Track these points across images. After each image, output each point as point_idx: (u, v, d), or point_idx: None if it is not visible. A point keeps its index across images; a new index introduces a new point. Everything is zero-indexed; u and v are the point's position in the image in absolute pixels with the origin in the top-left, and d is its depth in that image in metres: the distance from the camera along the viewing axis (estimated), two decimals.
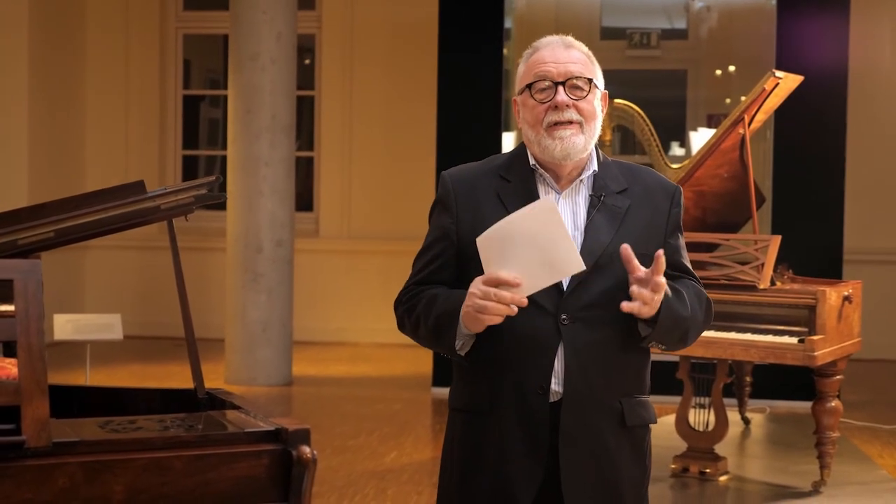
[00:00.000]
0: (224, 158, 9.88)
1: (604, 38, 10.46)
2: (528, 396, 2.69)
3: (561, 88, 2.71)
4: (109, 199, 3.25)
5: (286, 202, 9.09)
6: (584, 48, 2.80)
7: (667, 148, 9.79)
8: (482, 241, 2.60)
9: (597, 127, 2.76)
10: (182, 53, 11.78)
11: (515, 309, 2.57)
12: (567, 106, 2.70)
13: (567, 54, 2.74)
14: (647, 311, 2.61)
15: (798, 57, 8.12)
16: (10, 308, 3.36)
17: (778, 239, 5.75)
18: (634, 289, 2.59)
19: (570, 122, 2.70)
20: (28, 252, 3.19)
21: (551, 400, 2.69)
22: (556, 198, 2.75)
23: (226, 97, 9.63)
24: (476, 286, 2.59)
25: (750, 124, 6.00)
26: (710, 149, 6.02)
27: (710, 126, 10.09)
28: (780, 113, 7.30)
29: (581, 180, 2.77)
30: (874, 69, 10.68)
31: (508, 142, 9.01)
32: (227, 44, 9.38)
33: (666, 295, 2.65)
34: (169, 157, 11.75)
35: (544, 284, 2.59)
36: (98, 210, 3.23)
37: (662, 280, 2.60)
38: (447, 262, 2.80)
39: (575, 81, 2.72)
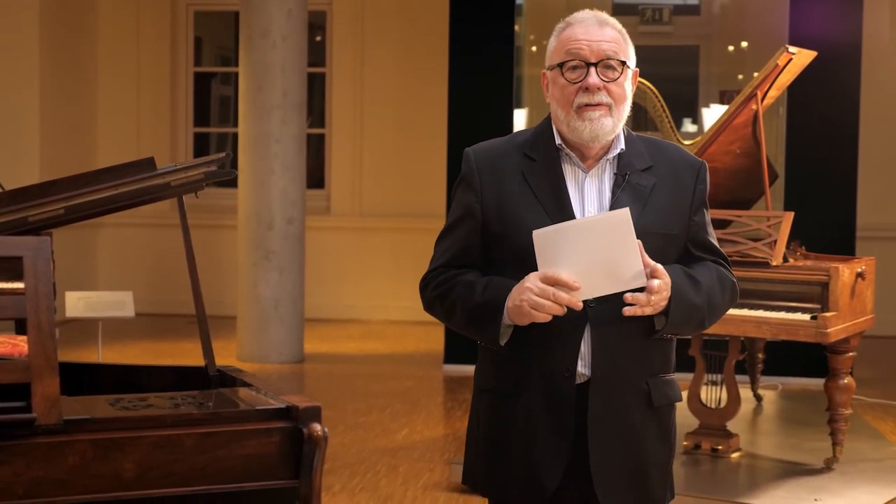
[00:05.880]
0: (235, 136, 9.87)
1: (616, 14, 10.25)
2: (555, 379, 2.68)
3: (593, 70, 2.66)
4: (120, 175, 3.25)
5: (297, 179, 9.08)
6: (618, 25, 2.74)
7: (679, 124, 9.73)
8: (540, 236, 2.57)
9: (626, 108, 2.72)
10: (193, 30, 11.76)
11: (565, 310, 2.57)
12: (598, 88, 2.66)
13: (601, 33, 2.69)
14: (651, 311, 2.60)
15: (811, 32, 8.07)
16: (20, 285, 3.36)
17: (791, 215, 5.72)
18: (628, 296, 2.58)
19: (600, 105, 2.66)
20: (39, 229, 3.20)
21: (577, 382, 2.68)
22: (584, 177, 2.73)
23: (237, 74, 9.61)
24: (533, 282, 2.57)
25: (763, 100, 5.97)
26: (723, 125, 5.99)
27: (722, 102, 10.04)
28: (793, 89, 7.26)
29: (608, 159, 2.74)
30: (888, 44, 10.62)
31: (520, 119, 8.98)
32: (238, 21, 9.36)
33: (678, 287, 2.64)
34: (180, 135, 11.75)
35: (602, 293, 2.58)
36: (108, 187, 3.23)
37: (657, 282, 2.58)
38: (472, 242, 2.77)
39: (608, 62, 2.67)
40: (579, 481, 2.71)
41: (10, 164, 9.85)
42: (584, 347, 2.66)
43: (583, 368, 2.67)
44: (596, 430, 2.68)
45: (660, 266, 2.60)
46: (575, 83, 2.68)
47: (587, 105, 2.66)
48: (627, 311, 2.58)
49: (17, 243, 2.67)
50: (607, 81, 2.67)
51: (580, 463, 2.69)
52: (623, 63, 2.69)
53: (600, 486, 2.68)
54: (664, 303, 2.62)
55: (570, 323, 2.63)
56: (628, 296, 2.57)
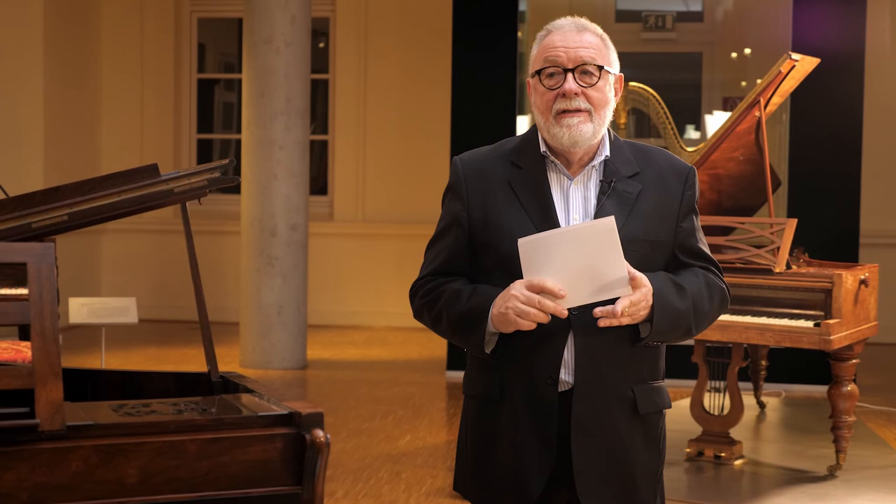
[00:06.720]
0: (239, 142, 9.89)
1: (619, 21, 10.43)
2: (538, 386, 2.68)
3: (570, 76, 2.67)
4: (123, 182, 3.25)
5: (301, 186, 9.09)
6: (598, 31, 2.74)
7: (682, 131, 9.76)
8: (525, 244, 2.57)
9: (607, 113, 2.72)
10: (197, 37, 11.77)
11: (550, 318, 2.57)
12: (576, 94, 2.66)
13: (579, 38, 2.69)
14: (629, 321, 2.60)
15: (814, 39, 8.07)
16: (24, 291, 3.36)
17: (794, 222, 5.73)
18: (597, 310, 2.57)
19: (579, 111, 2.67)
20: (42, 235, 3.20)
21: (561, 390, 2.68)
22: (569, 184, 2.73)
23: (240, 81, 9.62)
24: (519, 290, 2.57)
25: (766, 107, 5.97)
26: (726, 132, 6.00)
27: (725, 109, 10.06)
28: (796, 95, 7.27)
29: (593, 166, 2.74)
30: (891, 51, 10.62)
31: (523, 125, 8.98)
32: (242, 27, 9.37)
33: (662, 294, 2.63)
34: (184, 141, 11.76)
35: (586, 301, 2.57)
36: (111, 193, 3.23)
37: (635, 294, 2.57)
38: (460, 250, 2.78)
39: (585, 68, 2.67)
40: (564, 488, 2.72)
41: (13, 169, 9.87)
42: (568, 355, 2.67)
43: (566, 376, 2.68)
44: (579, 437, 2.68)
45: (640, 275, 2.59)
46: (553, 89, 2.69)
47: (565, 111, 2.67)
48: (602, 323, 2.58)
49: (21, 249, 2.68)
50: (585, 87, 2.68)
51: (565, 470, 2.70)
52: (601, 68, 2.69)
53: (583, 492, 2.69)
54: (644, 313, 2.61)
55: (553, 331, 2.63)
56: (597, 310, 2.57)
